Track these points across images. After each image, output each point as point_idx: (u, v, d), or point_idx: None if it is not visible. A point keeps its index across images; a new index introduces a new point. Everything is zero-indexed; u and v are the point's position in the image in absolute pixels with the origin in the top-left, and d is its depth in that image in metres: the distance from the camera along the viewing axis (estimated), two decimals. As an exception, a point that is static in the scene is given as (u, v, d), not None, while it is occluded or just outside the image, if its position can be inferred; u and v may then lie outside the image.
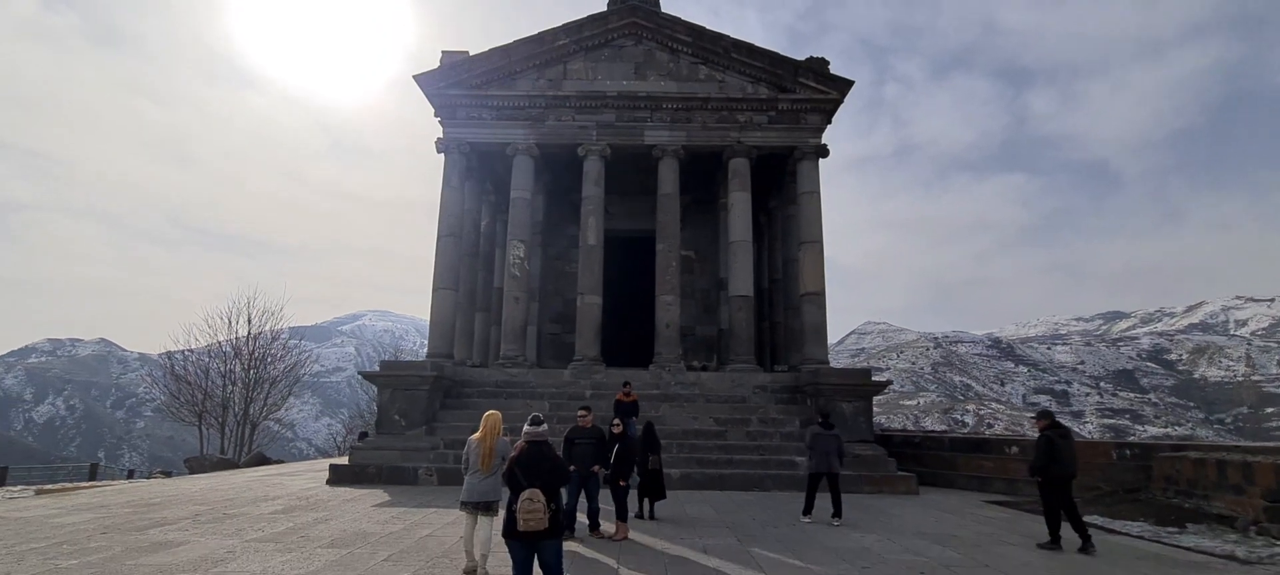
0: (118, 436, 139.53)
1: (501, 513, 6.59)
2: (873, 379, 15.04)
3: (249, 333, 27.21)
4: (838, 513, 9.23)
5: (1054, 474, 8.03)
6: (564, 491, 8.03)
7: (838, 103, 17.95)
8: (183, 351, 27.57)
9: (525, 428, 5.33)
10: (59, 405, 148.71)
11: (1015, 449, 13.96)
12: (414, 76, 17.87)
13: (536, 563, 4.87)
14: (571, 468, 8.17)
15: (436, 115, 18.32)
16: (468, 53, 18.12)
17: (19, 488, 19.50)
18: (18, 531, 8.25)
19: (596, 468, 8.13)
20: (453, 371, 16.15)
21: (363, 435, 32.23)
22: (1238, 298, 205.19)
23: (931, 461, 15.12)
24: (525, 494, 4.78)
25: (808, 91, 17.73)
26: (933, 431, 24.89)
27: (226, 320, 27.35)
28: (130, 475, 26.85)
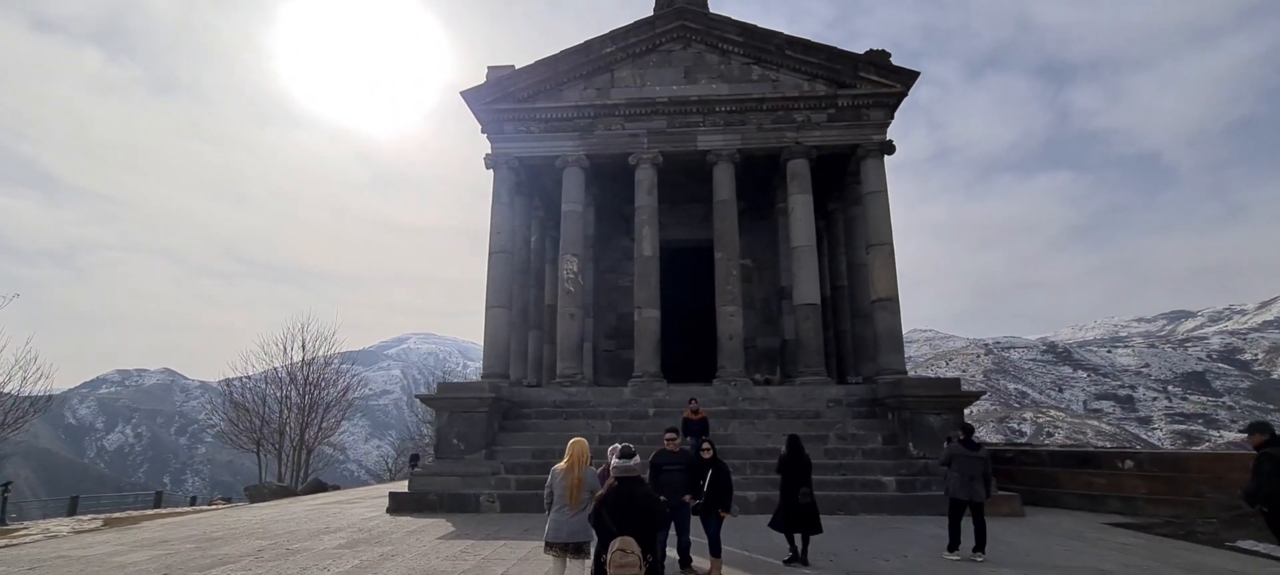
0: (181, 462, 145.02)
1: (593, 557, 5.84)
2: (963, 389, 13.87)
3: (303, 358, 27.48)
4: (981, 545, 8.05)
5: None
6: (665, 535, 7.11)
7: (902, 96, 16.94)
8: (241, 379, 27.96)
9: (614, 461, 4.51)
10: (128, 433, 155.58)
11: (1130, 463, 12.58)
12: (461, 93, 17.62)
13: None
14: (659, 498, 7.38)
15: (483, 131, 18.02)
16: (513, 66, 17.81)
17: (88, 516, 19.74)
18: (80, 572, 7.91)
19: (687, 497, 7.31)
20: (510, 392, 15.61)
21: (414, 458, 32.14)
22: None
23: (1029, 478, 13.81)
24: (616, 544, 3.99)
25: (869, 86, 16.77)
26: (1027, 445, 23.25)
27: (282, 347, 27.69)
28: (193, 502, 27.19)
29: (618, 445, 5.23)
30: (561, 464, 5.81)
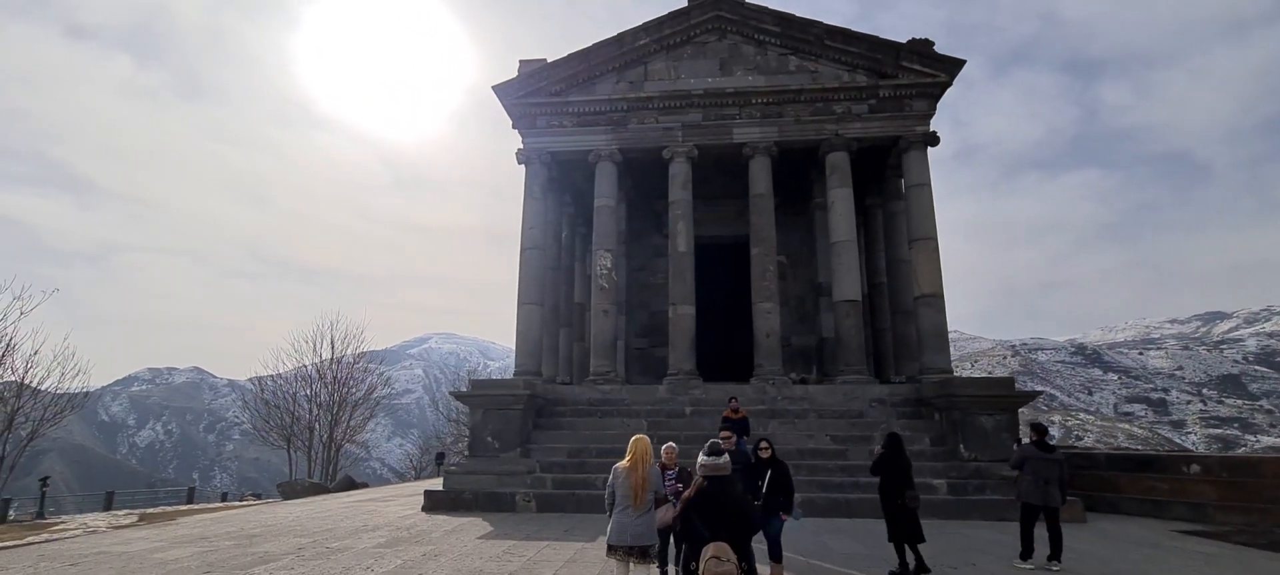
0: (210, 459, 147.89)
1: (659, 564, 5.51)
2: (1016, 388, 13.28)
3: (332, 356, 27.55)
4: (1056, 554, 7.57)
5: None
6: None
7: (946, 85, 16.38)
8: (272, 376, 28.11)
9: (702, 458, 4.13)
10: (158, 430, 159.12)
11: (1196, 468, 11.95)
12: (493, 87, 17.42)
13: None
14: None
15: (514, 126, 17.82)
16: (545, 60, 17.57)
17: (124, 512, 19.92)
18: (122, 569, 7.77)
19: (746, 499, 6.95)
20: (544, 390, 15.35)
21: (440, 456, 32.08)
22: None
23: (1084, 482, 13.19)
24: (710, 551, 3.59)
25: (912, 76, 16.24)
26: (1080, 447, 22.45)
27: (311, 344, 27.76)
28: (224, 498, 27.39)
29: (665, 441, 4.89)
30: (623, 463, 5.48)
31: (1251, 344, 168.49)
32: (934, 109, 16.52)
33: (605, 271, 16.50)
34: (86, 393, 21.02)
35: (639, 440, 5.51)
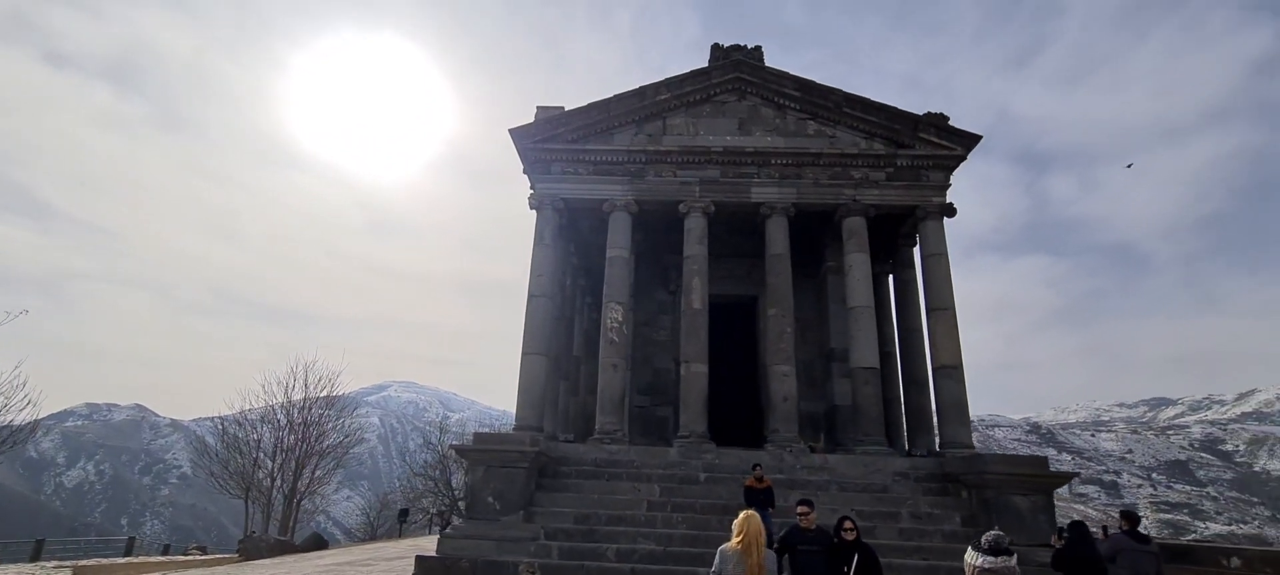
0: (142, 503, 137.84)
1: None
2: (1051, 469, 12.85)
3: (305, 399, 25.67)
4: None
5: None
6: None
7: (961, 159, 16.59)
8: (235, 418, 26.05)
9: (979, 560, 3.41)
10: (89, 470, 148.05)
11: (1237, 561, 11.58)
12: (509, 130, 17.05)
13: None
14: None
15: (525, 171, 17.44)
16: (562, 108, 17.35)
17: (53, 563, 17.83)
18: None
19: (831, 586, 6.20)
20: (548, 447, 14.37)
21: (403, 513, 30.14)
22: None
23: (1114, 571, 12.69)
24: None
25: (929, 147, 16.44)
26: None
27: (284, 387, 25.82)
28: (166, 550, 24.96)
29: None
30: (732, 544, 4.76)
31: (1196, 431, 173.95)
32: (949, 181, 16.67)
33: (616, 324, 15.83)
34: (34, 424, 19.07)
35: (750, 518, 4.81)
